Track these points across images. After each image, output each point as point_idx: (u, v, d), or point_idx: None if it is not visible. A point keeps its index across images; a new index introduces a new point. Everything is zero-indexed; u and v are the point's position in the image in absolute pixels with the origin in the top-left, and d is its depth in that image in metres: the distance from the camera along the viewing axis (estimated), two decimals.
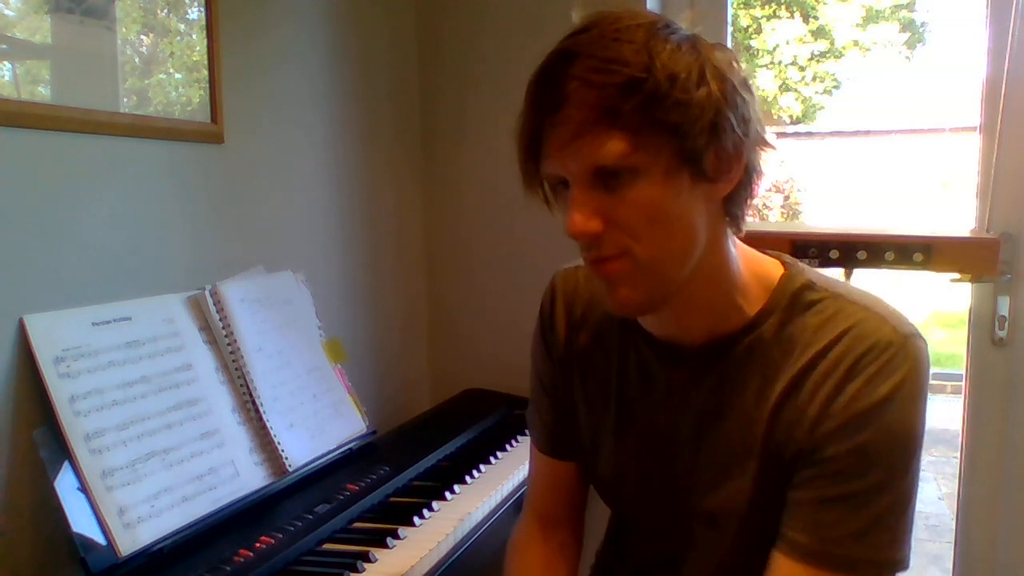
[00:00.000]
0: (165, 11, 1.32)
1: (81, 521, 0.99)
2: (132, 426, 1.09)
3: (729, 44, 0.78)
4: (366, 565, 1.08)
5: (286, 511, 1.22)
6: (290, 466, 1.29)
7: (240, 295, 1.33)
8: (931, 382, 0.80)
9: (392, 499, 1.32)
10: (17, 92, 1.11)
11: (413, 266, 2.03)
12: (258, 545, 1.10)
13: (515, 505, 1.40)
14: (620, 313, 0.82)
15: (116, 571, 1.00)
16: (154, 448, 1.11)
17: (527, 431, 1.64)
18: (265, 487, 1.24)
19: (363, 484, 1.31)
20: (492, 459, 1.50)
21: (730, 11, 1.90)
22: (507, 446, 1.57)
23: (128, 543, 1.02)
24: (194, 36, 1.35)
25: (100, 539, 1.00)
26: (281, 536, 1.12)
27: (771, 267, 0.84)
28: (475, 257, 2.01)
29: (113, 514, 1.02)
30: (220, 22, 1.36)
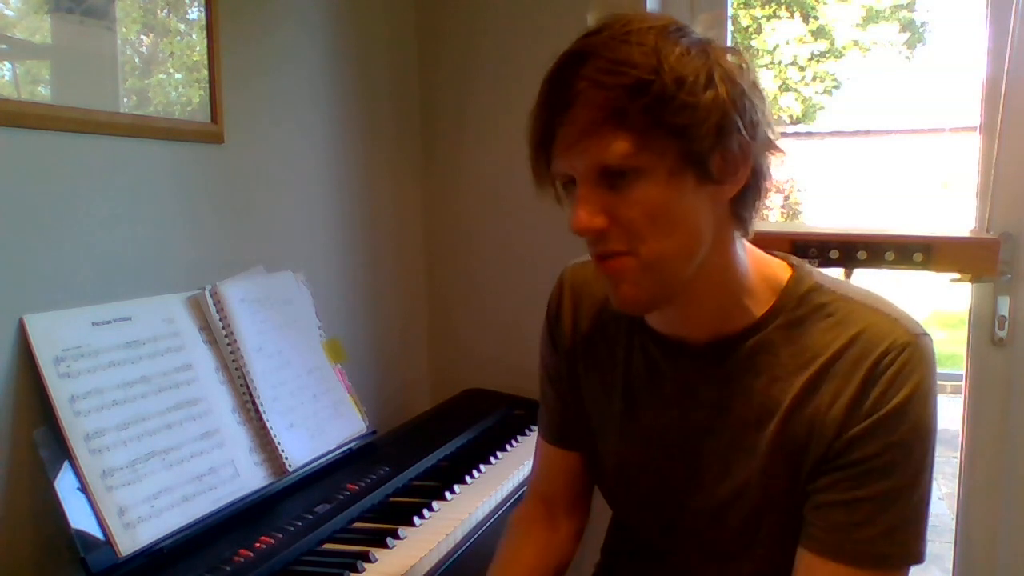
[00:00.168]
0: (165, 11, 1.32)
1: (81, 521, 0.99)
2: (132, 426, 1.09)
3: (729, 44, 0.78)
4: (366, 565, 1.08)
5: (286, 511, 1.22)
6: (290, 466, 1.29)
7: (240, 295, 1.33)
8: None
9: (392, 499, 1.32)
10: (17, 92, 1.11)
11: (413, 266, 2.03)
12: (258, 545, 1.10)
13: (515, 505, 1.40)
14: (623, 310, 0.83)
15: (116, 571, 1.00)
16: (154, 448, 1.11)
17: (530, 426, 1.64)
18: (265, 487, 1.24)
19: (363, 484, 1.31)
20: (492, 459, 1.50)
21: (730, 11, 1.90)
22: (507, 446, 1.57)
23: (128, 543, 1.02)
24: (194, 36, 1.35)
25: (100, 539, 1.00)
26: (281, 536, 1.12)
27: (779, 269, 0.85)
28: (475, 257, 2.01)
29: (113, 514, 1.02)
30: (220, 22, 1.36)
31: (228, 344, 1.28)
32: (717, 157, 0.74)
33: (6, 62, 1.10)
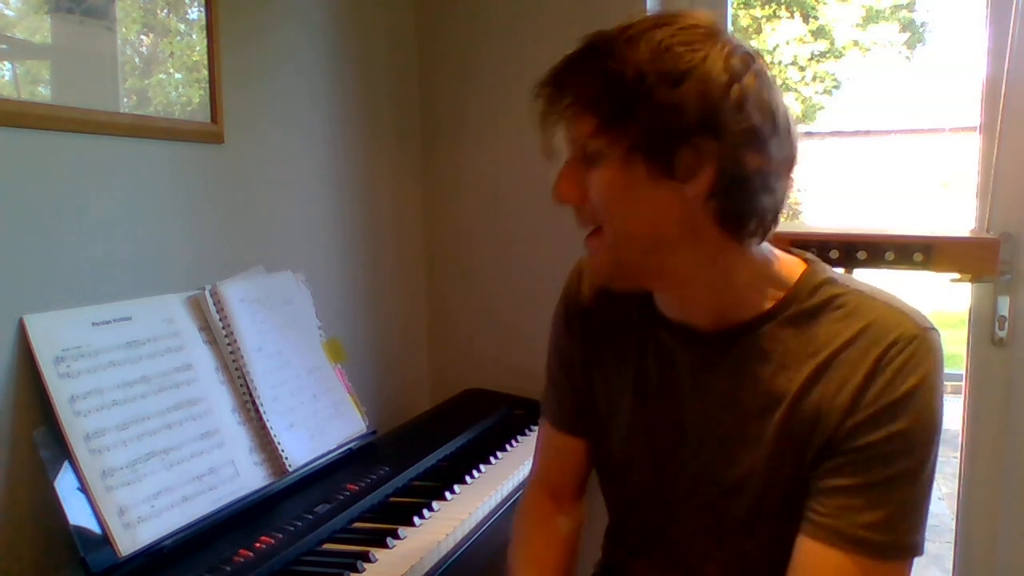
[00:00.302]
0: (165, 11, 1.32)
1: (81, 521, 0.99)
2: (132, 426, 1.09)
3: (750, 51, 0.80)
4: (366, 565, 1.08)
5: (286, 511, 1.22)
6: (290, 466, 1.29)
7: (240, 295, 1.33)
8: None
9: (392, 499, 1.32)
10: (17, 92, 1.11)
11: (413, 266, 2.03)
12: (258, 545, 1.10)
13: (515, 505, 1.40)
14: (592, 280, 0.90)
15: (116, 571, 1.00)
16: (154, 448, 1.11)
17: (530, 426, 1.64)
18: (265, 487, 1.24)
19: (363, 484, 1.31)
20: (492, 459, 1.50)
21: (730, 11, 1.90)
22: (507, 446, 1.57)
23: (128, 543, 1.02)
24: (194, 36, 1.35)
25: (100, 539, 1.00)
26: (281, 536, 1.12)
27: (792, 264, 0.87)
28: (475, 257, 2.01)
29: (113, 514, 1.02)
30: (220, 22, 1.36)
31: (228, 344, 1.28)
32: (683, 154, 0.76)
33: (6, 62, 1.10)
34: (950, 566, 1.76)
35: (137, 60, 1.29)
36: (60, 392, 1.02)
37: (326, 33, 1.68)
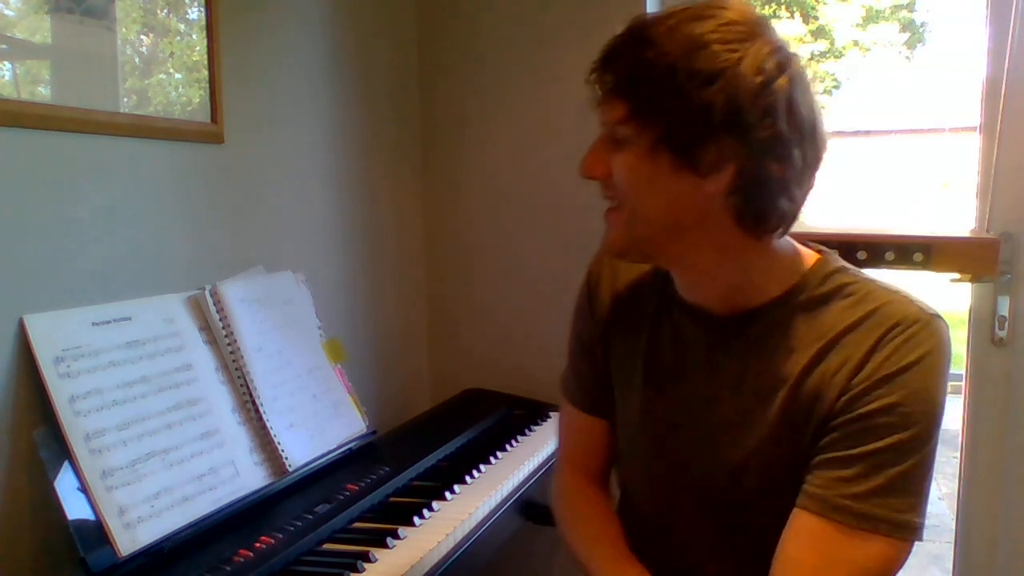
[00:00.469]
0: (165, 11, 1.32)
1: (81, 521, 0.99)
2: (132, 426, 1.09)
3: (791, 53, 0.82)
4: (366, 565, 1.08)
5: (286, 511, 1.22)
6: (290, 466, 1.29)
7: (240, 295, 1.33)
8: None
9: (392, 499, 1.32)
10: (17, 92, 1.11)
11: (413, 266, 2.03)
12: (258, 545, 1.10)
13: (515, 505, 1.40)
14: (606, 251, 0.91)
15: (116, 571, 1.00)
16: (154, 448, 1.11)
17: (530, 426, 1.64)
18: (265, 487, 1.24)
19: (363, 484, 1.31)
20: (492, 459, 1.50)
21: None
22: (507, 446, 1.57)
23: (128, 543, 1.02)
24: (194, 36, 1.35)
25: (100, 539, 1.00)
26: (281, 536, 1.12)
27: (806, 255, 0.90)
28: (475, 257, 2.01)
29: (113, 514, 1.02)
30: (220, 22, 1.36)
31: (228, 344, 1.28)
32: (708, 152, 0.77)
33: (6, 62, 1.10)
34: (950, 566, 1.76)
35: (137, 60, 1.29)
36: (60, 392, 1.02)
37: (326, 33, 1.68)
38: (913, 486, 0.80)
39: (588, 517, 1.04)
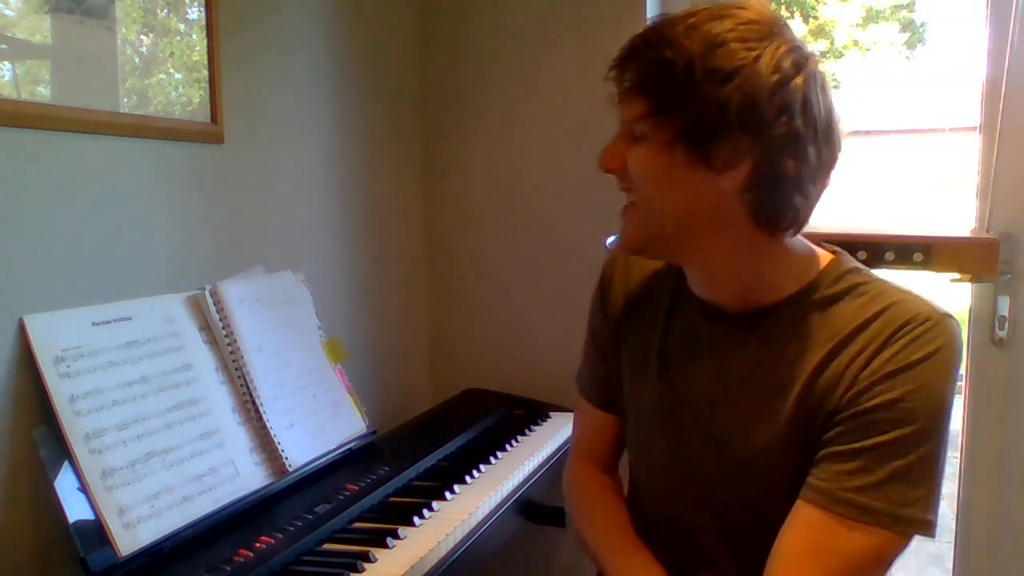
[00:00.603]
0: (165, 11, 1.32)
1: (81, 521, 0.99)
2: (132, 426, 1.09)
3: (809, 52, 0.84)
4: (366, 565, 1.08)
5: (286, 511, 1.22)
6: (290, 466, 1.29)
7: (240, 295, 1.33)
8: None
9: (392, 499, 1.32)
10: (17, 92, 1.11)
11: (413, 266, 2.03)
12: (258, 545, 1.10)
13: (515, 505, 1.40)
14: (622, 248, 0.92)
15: (116, 571, 1.00)
16: (154, 448, 1.11)
17: (530, 426, 1.64)
18: (265, 487, 1.24)
19: (363, 484, 1.31)
20: (492, 459, 1.50)
21: None
22: (507, 446, 1.57)
23: (128, 543, 1.02)
24: (194, 36, 1.35)
25: (100, 539, 1.00)
26: (281, 536, 1.12)
27: (820, 255, 0.92)
28: (475, 257, 2.01)
29: (113, 514, 1.02)
30: (220, 22, 1.36)
31: (228, 344, 1.28)
32: (723, 148, 0.79)
33: (6, 62, 1.10)
34: (950, 566, 1.76)
35: (137, 60, 1.29)
36: (60, 392, 1.02)
37: (327, 33, 1.68)
38: (917, 480, 0.80)
39: (599, 507, 1.05)
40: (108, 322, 1.12)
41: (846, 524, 0.80)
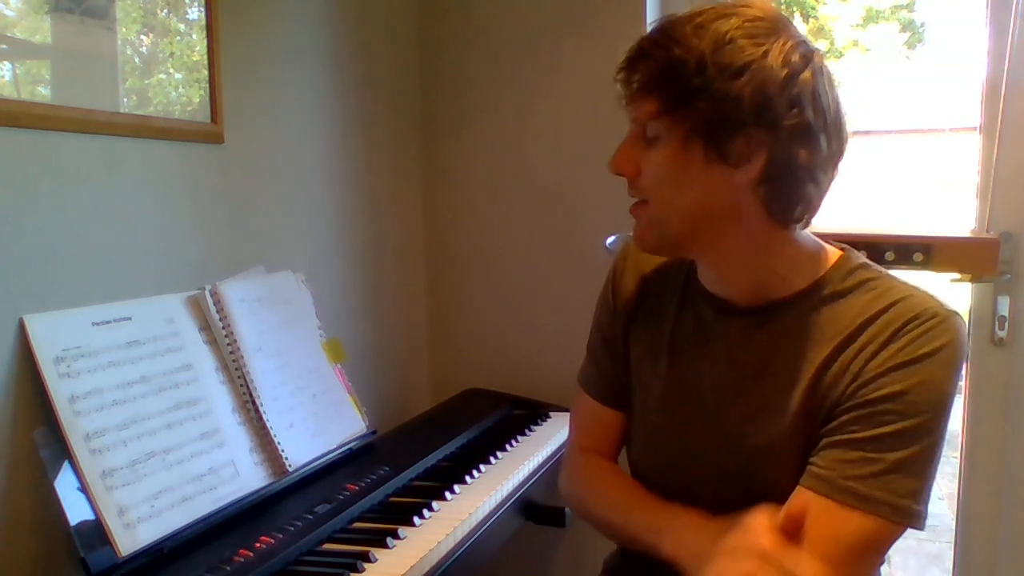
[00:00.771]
0: (165, 11, 1.32)
1: (81, 521, 0.99)
2: (132, 426, 1.09)
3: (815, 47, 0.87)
4: (366, 565, 1.08)
5: (286, 511, 1.22)
6: (290, 466, 1.29)
7: (240, 295, 1.33)
8: None
9: (392, 499, 1.32)
10: (17, 92, 1.11)
11: (413, 266, 2.03)
12: (258, 545, 1.10)
13: (515, 505, 1.40)
14: (638, 246, 0.93)
15: (116, 571, 1.00)
16: (154, 448, 1.11)
17: (530, 426, 1.64)
18: (265, 487, 1.24)
19: (363, 484, 1.31)
20: (492, 459, 1.50)
21: None
22: (507, 446, 1.57)
23: (128, 543, 1.02)
24: (194, 36, 1.35)
25: (100, 539, 1.00)
26: (281, 536, 1.12)
27: (830, 251, 0.93)
28: (475, 257, 2.01)
29: (113, 514, 1.02)
30: (220, 22, 1.36)
31: (228, 344, 1.28)
32: (737, 143, 0.80)
33: (6, 62, 1.10)
34: (950, 566, 1.76)
35: (137, 60, 1.29)
36: (60, 392, 1.02)
37: (327, 32, 1.68)
38: (916, 473, 0.82)
39: (617, 483, 1.04)
40: (108, 322, 1.12)
41: (845, 511, 0.82)
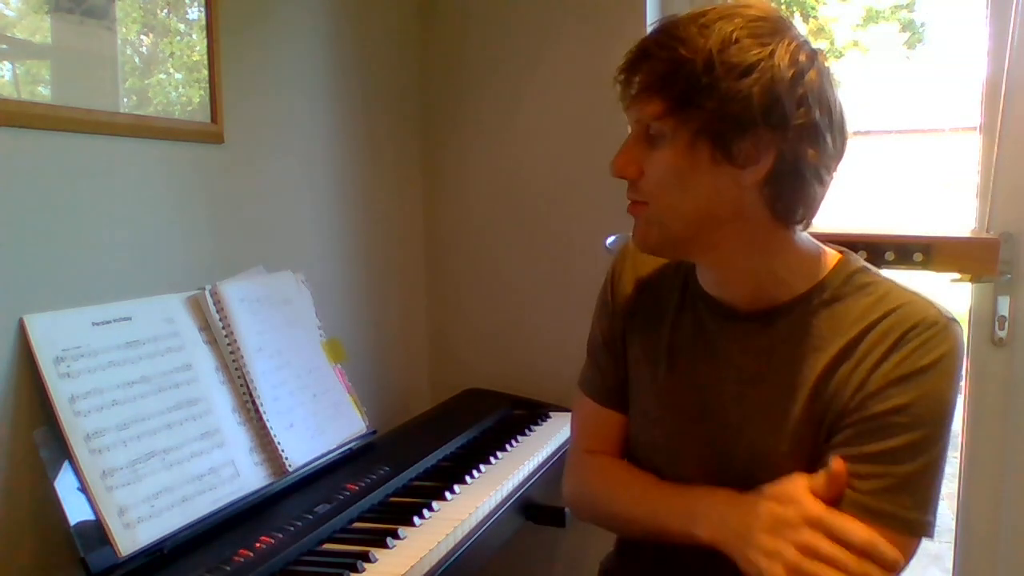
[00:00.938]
0: (165, 11, 1.32)
1: (81, 521, 0.99)
2: (132, 426, 1.09)
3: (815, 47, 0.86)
4: (366, 565, 1.08)
5: (286, 511, 1.22)
6: (290, 466, 1.29)
7: (240, 295, 1.33)
8: None
9: (392, 499, 1.32)
10: (17, 92, 1.11)
11: (413, 266, 2.03)
12: (258, 545, 1.10)
13: (515, 505, 1.40)
14: (638, 247, 0.92)
15: (116, 571, 1.00)
16: (154, 448, 1.11)
17: (530, 426, 1.64)
18: (265, 487, 1.24)
19: (363, 484, 1.31)
20: (492, 459, 1.50)
21: None
22: (507, 446, 1.57)
23: (128, 543, 1.02)
24: (194, 36, 1.35)
25: (100, 539, 1.00)
26: (281, 536, 1.12)
27: (829, 255, 0.92)
28: (475, 257, 2.01)
29: (113, 514, 1.02)
30: (220, 22, 1.36)
31: (228, 344, 1.28)
32: (744, 143, 0.80)
33: (6, 62, 1.10)
34: (950, 566, 1.76)
35: (137, 60, 1.29)
36: (60, 392, 1.02)
37: (327, 33, 1.68)
38: (923, 485, 0.82)
39: (634, 479, 1.02)
40: (108, 322, 1.12)
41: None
